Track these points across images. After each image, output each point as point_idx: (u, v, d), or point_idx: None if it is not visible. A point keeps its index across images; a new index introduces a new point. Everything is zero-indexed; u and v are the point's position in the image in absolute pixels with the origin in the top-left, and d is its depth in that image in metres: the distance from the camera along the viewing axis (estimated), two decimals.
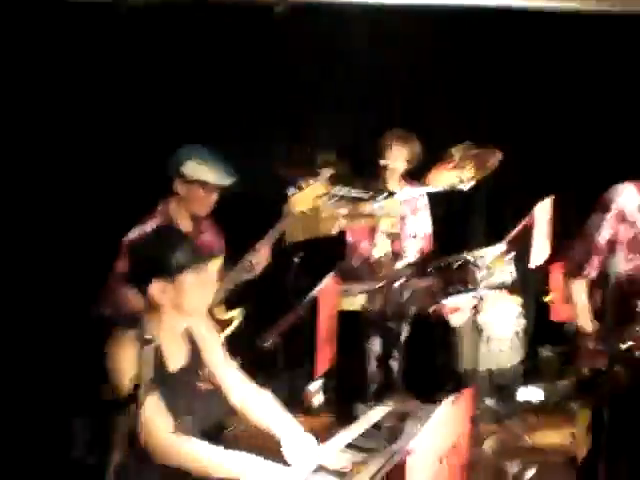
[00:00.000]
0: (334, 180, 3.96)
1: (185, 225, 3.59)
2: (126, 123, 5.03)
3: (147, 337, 1.77)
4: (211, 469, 2.39)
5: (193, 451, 2.43)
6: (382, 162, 4.78)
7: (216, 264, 3.49)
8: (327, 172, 3.89)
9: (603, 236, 3.17)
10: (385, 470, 2.14)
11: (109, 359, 2.47)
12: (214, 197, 3.62)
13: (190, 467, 2.41)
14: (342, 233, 4.77)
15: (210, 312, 3.40)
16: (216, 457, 2.42)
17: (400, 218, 4.51)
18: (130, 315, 2.72)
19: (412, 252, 4.92)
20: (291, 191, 3.74)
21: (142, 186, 4.18)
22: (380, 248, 4.83)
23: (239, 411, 2.82)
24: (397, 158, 4.79)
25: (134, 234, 3.38)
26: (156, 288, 2.50)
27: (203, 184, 3.52)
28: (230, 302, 3.66)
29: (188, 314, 2.63)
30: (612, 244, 3.15)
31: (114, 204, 4.59)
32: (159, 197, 3.66)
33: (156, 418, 2.40)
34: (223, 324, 3.56)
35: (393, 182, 4.87)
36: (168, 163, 3.57)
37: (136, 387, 1.93)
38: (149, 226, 3.37)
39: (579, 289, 3.27)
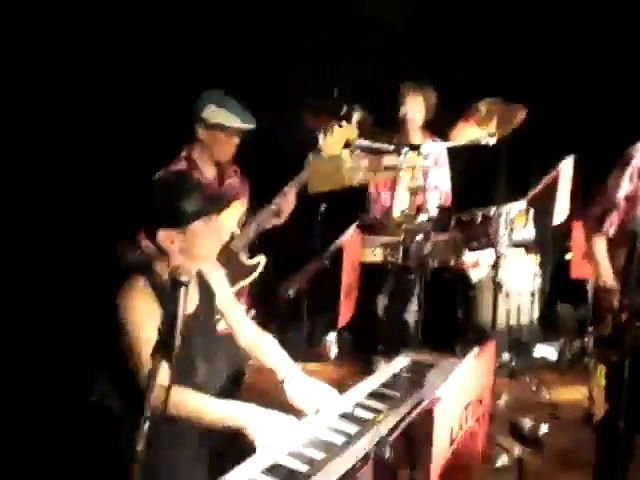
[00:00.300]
0: (363, 126, 3.92)
1: (209, 171, 3.59)
2: (148, 71, 5.03)
3: (184, 280, 1.76)
4: (216, 419, 2.38)
5: (197, 402, 2.42)
6: (401, 112, 4.77)
7: (238, 209, 3.51)
8: (358, 116, 3.85)
9: (622, 192, 3.15)
10: (410, 418, 2.16)
11: (121, 313, 2.45)
12: (235, 141, 3.60)
13: (194, 417, 2.41)
14: (365, 185, 4.79)
15: (235, 257, 3.43)
16: (221, 408, 2.40)
17: (423, 172, 4.48)
18: (144, 260, 2.71)
19: (433, 205, 4.92)
20: (320, 135, 3.69)
21: (166, 133, 4.15)
22: (402, 201, 4.82)
23: (246, 350, 2.86)
24: (414, 108, 4.80)
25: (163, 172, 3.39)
26: (164, 236, 2.50)
27: (223, 128, 3.50)
28: (254, 248, 3.64)
29: (197, 261, 2.63)
30: (633, 200, 3.13)
31: (140, 151, 4.59)
32: (182, 144, 3.65)
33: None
34: (247, 270, 3.57)
35: (414, 134, 4.86)
36: (191, 111, 3.55)
37: (167, 339, 1.88)
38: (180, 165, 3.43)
39: (599, 246, 3.25)
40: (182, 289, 1.74)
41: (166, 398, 1.88)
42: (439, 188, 5.04)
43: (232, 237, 3.52)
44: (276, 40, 5.49)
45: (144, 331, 2.38)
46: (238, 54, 5.38)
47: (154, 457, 2.19)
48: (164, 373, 1.87)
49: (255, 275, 3.59)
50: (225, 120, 3.48)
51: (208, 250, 2.63)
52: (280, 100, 5.33)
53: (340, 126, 3.71)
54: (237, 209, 3.54)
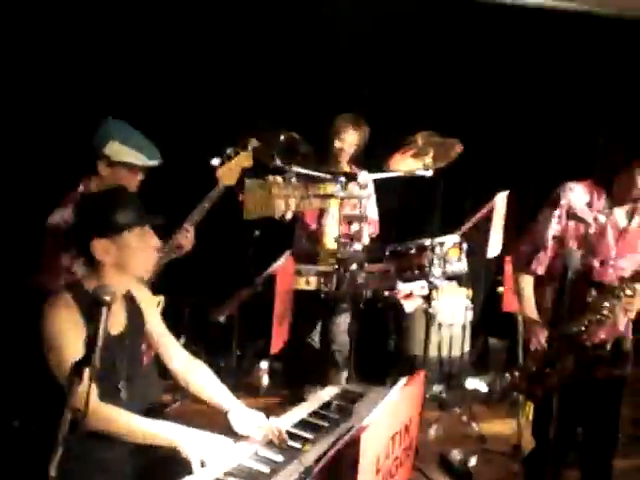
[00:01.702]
0: (303, 155, 3.89)
1: None
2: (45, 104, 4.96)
3: (106, 299, 1.71)
4: (149, 436, 2.36)
5: (124, 420, 2.39)
6: (336, 144, 4.79)
7: None
8: (254, 143, 3.76)
9: (551, 232, 3.21)
10: (337, 447, 2.13)
11: (46, 327, 2.39)
12: (139, 178, 3.39)
13: (126, 435, 2.37)
14: (300, 213, 4.77)
15: None
16: (153, 426, 2.39)
17: (359, 201, 4.49)
18: (69, 279, 2.64)
19: (366, 236, 4.93)
20: (216, 162, 3.61)
21: (64, 167, 4.00)
22: (337, 230, 4.82)
23: (180, 377, 2.77)
24: (350, 141, 4.80)
25: (55, 217, 3.15)
26: (99, 246, 2.45)
27: (128, 166, 3.28)
28: (155, 284, 3.51)
29: (131, 274, 2.57)
30: (562, 240, 3.19)
31: (39, 185, 4.46)
32: (80, 177, 3.40)
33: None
34: None
35: (344, 165, 4.86)
36: (90, 143, 3.29)
37: (88, 355, 1.83)
38: (68, 211, 3.10)
39: (526, 284, 3.31)
40: (104, 309, 1.69)
41: (85, 415, 1.82)
42: (369, 219, 5.05)
43: None
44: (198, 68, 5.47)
45: (68, 348, 2.32)
46: (143, 82, 5.31)
47: None
48: (85, 391, 1.81)
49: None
50: (131, 158, 3.26)
51: (142, 263, 2.57)
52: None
53: (237, 154, 3.66)
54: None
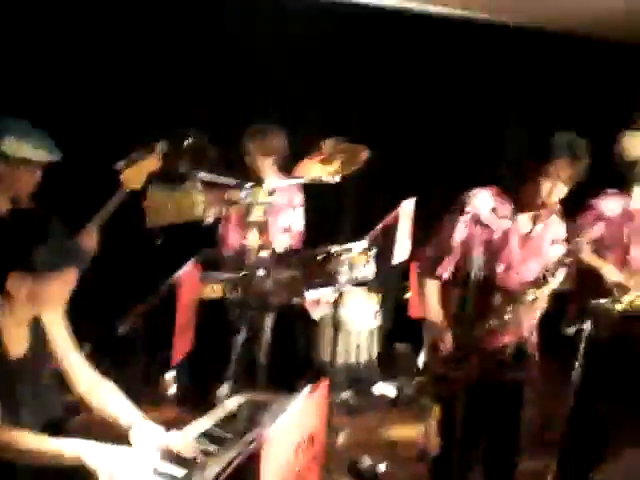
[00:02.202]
0: (206, 159, 3.81)
1: (3, 207, 3.16)
2: None
3: None
4: (54, 455, 2.27)
5: (27, 441, 2.29)
6: (247, 159, 4.76)
7: None
8: (162, 146, 3.68)
9: (456, 237, 3.24)
10: (239, 460, 2.09)
11: None
12: (38, 175, 3.28)
13: (29, 456, 2.28)
14: (203, 219, 4.71)
15: None
16: (53, 445, 2.29)
17: (271, 209, 4.47)
18: None
19: (281, 246, 4.91)
20: (120, 165, 3.52)
21: None
22: (250, 238, 4.78)
23: (85, 399, 2.69)
24: (257, 152, 4.77)
25: None
26: (14, 281, 2.31)
27: (25, 162, 3.16)
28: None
29: (42, 308, 2.47)
30: (467, 245, 3.22)
31: None
32: None
33: None
34: None
35: (265, 173, 4.83)
36: None
37: None
38: None
39: (431, 289, 3.34)
40: None
41: None
42: (291, 229, 5.04)
43: None
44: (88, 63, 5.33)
45: None
46: (42, 77, 5.15)
47: None
48: None
49: None
50: (30, 154, 3.14)
51: (54, 301, 2.46)
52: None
53: (143, 158, 3.57)
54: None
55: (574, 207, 3.63)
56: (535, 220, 3.21)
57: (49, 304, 2.46)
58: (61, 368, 2.70)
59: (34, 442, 2.30)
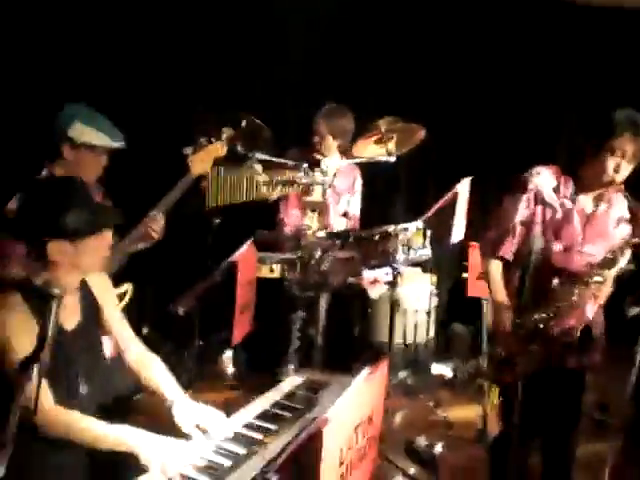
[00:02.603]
0: (265, 141, 3.82)
1: None
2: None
3: (55, 292, 1.64)
4: (107, 443, 2.29)
5: (83, 425, 2.31)
6: (315, 138, 4.75)
7: None
8: (227, 132, 3.70)
9: (518, 217, 3.18)
10: (300, 439, 2.09)
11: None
12: (103, 161, 3.37)
13: (83, 440, 2.30)
14: (264, 200, 4.73)
15: None
16: (111, 431, 2.31)
17: (332, 191, 4.47)
18: (18, 275, 2.49)
19: (337, 225, 4.91)
20: (188, 151, 3.55)
21: (26, 152, 3.92)
22: (307, 219, 4.79)
23: (133, 369, 2.70)
24: (327, 132, 4.76)
25: (14, 203, 3.05)
26: (54, 248, 2.34)
27: (92, 147, 3.26)
28: (121, 274, 3.40)
29: (84, 272, 2.50)
30: (529, 225, 3.16)
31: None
32: (44, 162, 3.36)
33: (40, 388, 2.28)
34: None
35: (329, 154, 4.81)
36: (53, 126, 3.26)
37: (36, 351, 1.76)
38: None
39: (494, 269, 3.27)
40: (53, 303, 1.63)
41: (34, 414, 1.76)
42: (349, 214, 5.04)
43: None
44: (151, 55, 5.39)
45: (19, 348, 2.23)
46: (110, 66, 5.24)
47: None
48: (33, 389, 1.75)
49: (122, 304, 3.40)
50: (94, 139, 3.24)
51: (96, 263, 2.49)
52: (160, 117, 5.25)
53: (209, 142, 3.59)
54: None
55: None
56: (599, 200, 3.14)
57: (88, 269, 2.48)
58: (113, 338, 2.72)
59: (90, 428, 2.31)
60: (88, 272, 2.52)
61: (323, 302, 4.52)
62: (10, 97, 4.86)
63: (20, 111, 4.80)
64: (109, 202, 3.55)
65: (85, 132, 3.20)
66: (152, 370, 2.68)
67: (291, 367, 4.66)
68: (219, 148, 3.62)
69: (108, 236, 2.47)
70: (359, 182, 5.07)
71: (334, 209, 4.87)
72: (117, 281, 3.38)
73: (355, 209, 5.07)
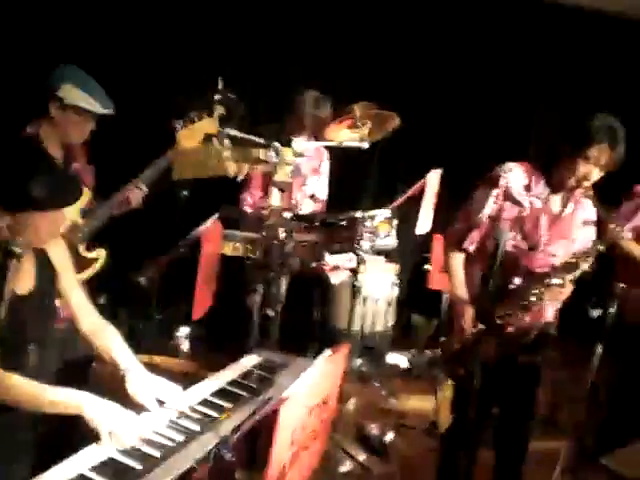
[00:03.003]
0: (229, 120, 3.77)
1: (55, 153, 3.23)
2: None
3: (16, 249, 1.59)
4: (54, 405, 2.24)
5: (28, 389, 2.26)
6: (292, 121, 4.74)
7: (82, 198, 3.28)
8: (220, 110, 3.67)
9: (486, 211, 3.17)
10: (255, 417, 2.07)
11: None
12: (90, 125, 3.32)
13: (28, 404, 2.26)
14: (230, 176, 4.69)
15: (73, 249, 3.17)
16: (58, 394, 2.26)
17: (297, 173, 4.44)
18: None
19: (305, 212, 4.89)
20: (178, 125, 3.51)
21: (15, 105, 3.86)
22: (275, 198, 4.74)
23: (88, 338, 2.65)
24: (310, 119, 4.72)
25: None
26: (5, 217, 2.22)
27: (80, 110, 3.22)
28: (96, 239, 3.40)
29: (39, 243, 2.42)
30: (495, 220, 3.16)
31: None
32: (30, 118, 3.30)
33: None
34: (85, 263, 3.33)
35: (298, 135, 4.78)
36: (44, 84, 3.23)
37: None
38: None
39: (457, 261, 3.28)
40: (13, 261, 1.58)
41: None
42: (316, 197, 5.02)
43: (73, 227, 3.25)
44: (146, 24, 5.33)
45: None
46: (103, 31, 5.18)
47: None
48: None
49: (95, 269, 3.36)
50: (84, 103, 3.20)
51: (40, 238, 2.38)
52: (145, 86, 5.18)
53: (200, 119, 3.55)
54: (82, 197, 3.29)
55: (618, 193, 3.59)
56: (567, 200, 3.15)
57: (34, 242, 2.38)
58: (67, 304, 2.67)
59: (35, 391, 2.26)
60: (41, 243, 2.44)
61: (284, 284, 4.50)
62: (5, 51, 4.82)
63: (14, 65, 4.74)
64: (89, 167, 3.50)
65: (75, 94, 3.17)
66: (106, 339, 2.62)
67: (246, 347, 4.64)
68: (210, 125, 3.58)
69: (61, 213, 2.39)
70: (326, 164, 5.05)
71: (300, 192, 4.84)
72: (91, 246, 3.35)
73: (322, 192, 5.05)
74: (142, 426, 2.22)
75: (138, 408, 2.37)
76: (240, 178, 4.17)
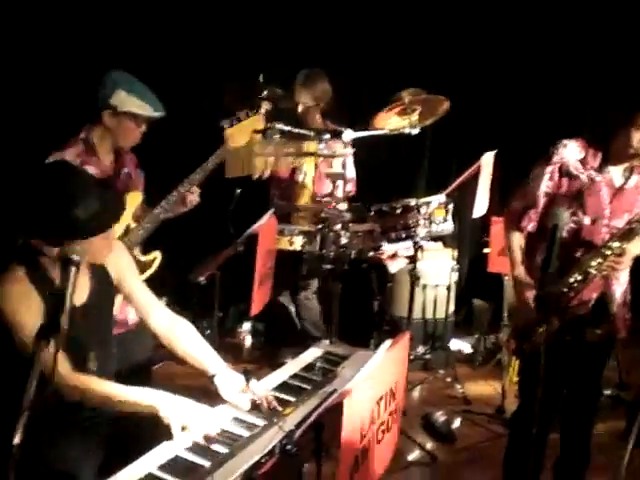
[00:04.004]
0: (275, 116, 3.76)
1: (106, 158, 3.32)
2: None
3: (74, 258, 1.61)
4: (129, 404, 2.28)
5: (102, 388, 2.31)
6: (299, 108, 4.71)
7: (134, 202, 3.32)
8: (266, 106, 3.67)
9: (543, 189, 3.13)
10: (320, 411, 2.06)
11: (4, 298, 2.27)
12: (142, 130, 3.35)
13: (104, 404, 2.31)
14: (284, 171, 4.71)
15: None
16: (133, 393, 2.30)
17: (343, 159, 4.41)
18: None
19: (341, 193, 4.86)
20: (226, 124, 3.52)
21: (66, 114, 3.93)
22: (322, 189, 4.74)
23: (165, 339, 2.66)
24: (301, 101, 4.70)
25: (51, 160, 3.04)
26: (49, 245, 2.28)
27: (133, 116, 3.24)
28: (151, 241, 3.40)
29: (92, 261, 2.45)
30: (552, 197, 3.11)
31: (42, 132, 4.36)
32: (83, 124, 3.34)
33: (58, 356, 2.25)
34: (141, 266, 3.35)
35: (313, 122, 4.75)
36: (96, 92, 3.23)
37: (54, 318, 1.74)
38: (67, 154, 3.11)
39: (516, 241, 3.23)
40: (73, 268, 1.60)
41: (53, 379, 1.77)
42: (347, 177, 4.97)
43: (127, 231, 3.28)
44: (189, 26, 5.37)
45: (25, 319, 2.23)
46: (150, 37, 5.25)
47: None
48: (50, 357, 1.73)
49: (151, 272, 3.38)
50: (137, 108, 3.22)
51: (97, 257, 2.43)
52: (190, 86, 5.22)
53: (248, 116, 3.56)
54: (133, 201, 3.33)
55: None
56: (629, 174, 3.08)
57: (94, 260, 2.43)
58: (136, 309, 2.69)
59: (108, 390, 2.31)
60: (98, 261, 2.47)
61: (341, 275, 4.49)
62: (59, 60, 4.91)
63: (67, 74, 4.84)
64: (140, 170, 3.54)
65: (128, 101, 3.19)
66: (186, 341, 2.62)
67: (312, 340, 4.66)
68: (257, 122, 3.58)
69: (112, 232, 2.41)
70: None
71: (342, 176, 4.79)
72: (146, 248, 3.39)
73: (350, 171, 5.00)
74: (210, 422, 2.24)
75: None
76: (266, 176, 4.16)
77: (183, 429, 2.17)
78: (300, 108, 4.72)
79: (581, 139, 3.13)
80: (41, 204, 2.22)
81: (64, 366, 2.28)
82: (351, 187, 4.88)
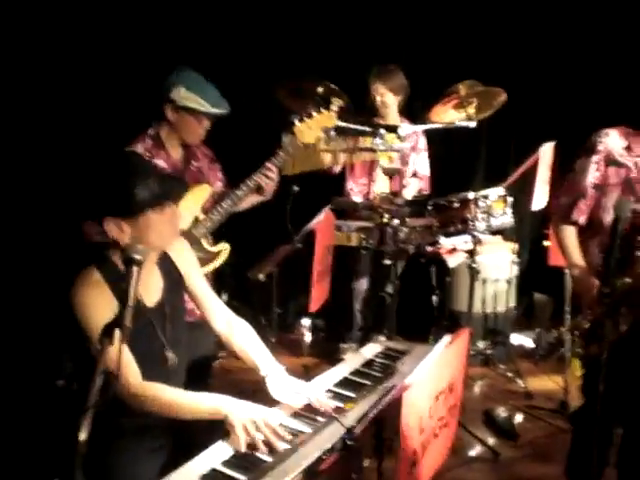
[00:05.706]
0: (340, 113, 3.77)
1: (175, 152, 3.41)
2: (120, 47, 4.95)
3: (135, 256, 1.63)
4: (196, 413, 2.30)
5: (171, 397, 2.32)
6: (377, 99, 4.76)
7: (203, 193, 3.37)
8: (337, 102, 3.68)
9: (590, 180, 3.07)
10: (380, 406, 2.07)
11: (77, 303, 2.29)
12: (205, 125, 3.40)
13: (170, 411, 2.31)
14: (341, 167, 4.73)
15: (197, 243, 3.26)
16: (199, 400, 2.31)
17: (401, 154, 4.40)
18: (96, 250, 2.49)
19: (411, 191, 4.86)
20: (296, 119, 3.53)
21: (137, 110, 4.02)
22: (380, 184, 4.75)
23: (223, 338, 2.70)
24: (381, 92, 4.73)
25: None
26: (111, 225, 2.31)
27: (193, 112, 3.32)
28: (219, 233, 3.45)
29: (152, 249, 2.44)
30: (602, 188, 3.05)
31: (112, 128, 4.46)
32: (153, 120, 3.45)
33: (127, 364, 2.27)
34: (210, 257, 3.41)
35: (390, 118, 4.78)
36: (160, 88, 3.33)
37: (119, 316, 1.78)
38: (137, 148, 3.24)
39: (569, 235, 3.17)
40: (134, 268, 1.63)
41: (117, 377, 1.82)
42: (419, 174, 4.98)
43: (195, 222, 3.34)
44: (249, 20, 5.40)
45: (100, 322, 2.25)
46: (212, 31, 5.31)
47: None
48: (114, 356, 1.78)
49: (219, 263, 3.42)
50: (195, 104, 3.29)
51: (162, 239, 2.43)
52: (252, 80, 5.26)
53: (319, 113, 3.56)
54: (202, 193, 3.37)
55: None
56: None
57: (155, 245, 2.43)
58: (198, 306, 2.72)
59: (176, 398, 2.32)
60: (166, 244, 2.50)
61: (400, 270, 4.48)
62: (133, 59, 5.06)
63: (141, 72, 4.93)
64: (216, 163, 3.59)
65: (186, 96, 3.28)
66: (243, 342, 2.65)
67: (365, 336, 4.67)
68: (328, 118, 3.59)
69: (172, 211, 2.41)
70: (422, 141, 5.01)
71: (403, 171, 4.80)
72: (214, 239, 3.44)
73: (424, 169, 5.00)
74: (272, 419, 2.25)
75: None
76: (338, 169, 4.17)
77: (247, 432, 2.17)
78: (378, 99, 4.75)
79: (621, 127, 3.07)
80: (103, 183, 2.32)
81: (133, 375, 2.31)
82: (423, 185, 4.89)
